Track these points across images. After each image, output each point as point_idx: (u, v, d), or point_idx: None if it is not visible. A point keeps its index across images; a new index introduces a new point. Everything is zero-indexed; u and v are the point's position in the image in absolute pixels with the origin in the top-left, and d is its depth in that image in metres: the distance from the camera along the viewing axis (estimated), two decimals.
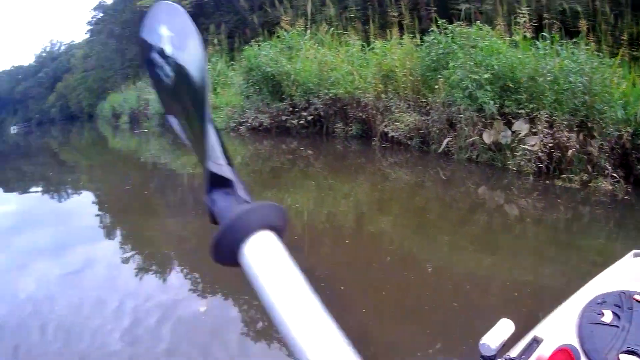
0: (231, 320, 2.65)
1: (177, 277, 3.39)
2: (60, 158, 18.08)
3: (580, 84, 4.77)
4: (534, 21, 6.19)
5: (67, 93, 48.24)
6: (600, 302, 1.22)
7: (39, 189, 10.23)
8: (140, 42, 0.56)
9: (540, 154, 4.77)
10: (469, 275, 2.75)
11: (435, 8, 7.41)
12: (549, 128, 4.80)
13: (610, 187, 4.40)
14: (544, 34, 5.70)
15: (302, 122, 7.74)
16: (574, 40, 5.42)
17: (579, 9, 6.58)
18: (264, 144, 8.25)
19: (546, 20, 6.25)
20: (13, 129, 64.68)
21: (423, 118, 5.76)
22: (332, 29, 9.13)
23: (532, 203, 4.33)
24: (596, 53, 5.29)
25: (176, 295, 3.06)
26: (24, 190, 10.43)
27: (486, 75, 5.25)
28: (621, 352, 1.00)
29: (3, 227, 6.18)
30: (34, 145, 28.69)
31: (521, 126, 5.04)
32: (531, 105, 5.02)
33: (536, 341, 1.11)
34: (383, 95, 6.45)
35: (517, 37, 5.87)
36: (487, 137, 5.25)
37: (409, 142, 5.65)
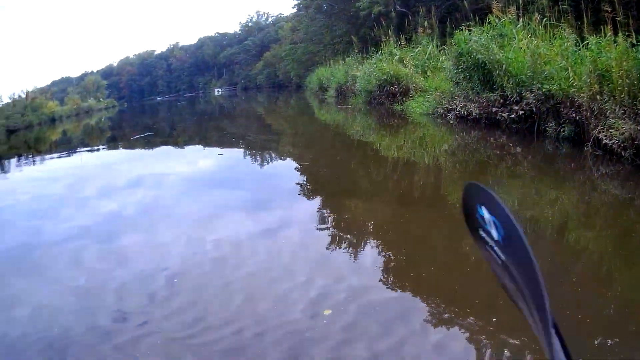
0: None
1: (368, 260, 3.73)
2: (265, 122, 20.50)
3: None
4: None
5: (275, 62, 53.68)
6: None
7: (239, 149, 12.09)
8: (468, 209, 0.63)
9: None
10: None
11: None
12: None
13: None
14: None
15: (512, 116, 7.75)
16: None
17: None
18: (472, 134, 8.68)
19: None
20: (217, 91, 75.11)
21: (639, 128, 5.38)
22: (545, 19, 8.93)
23: None
24: None
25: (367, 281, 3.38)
26: (223, 149, 12.23)
27: None
28: None
29: (202, 182, 7.74)
30: (238, 108, 32.55)
31: None
32: None
33: None
34: (598, 97, 6.22)
35: None
36: None
37: (622, 153, 5.39)
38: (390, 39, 16.21)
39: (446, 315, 2.79)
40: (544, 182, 5.68)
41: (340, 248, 4.09)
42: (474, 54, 8.95)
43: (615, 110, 5.93)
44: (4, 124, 33.05)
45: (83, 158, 14.10)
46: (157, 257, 4.29)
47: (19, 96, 40.62)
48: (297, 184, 6.96)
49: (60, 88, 73.30)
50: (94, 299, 3.53)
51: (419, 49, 14.70)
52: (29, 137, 28.32)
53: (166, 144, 15.26)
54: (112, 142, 18.94)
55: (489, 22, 9.75)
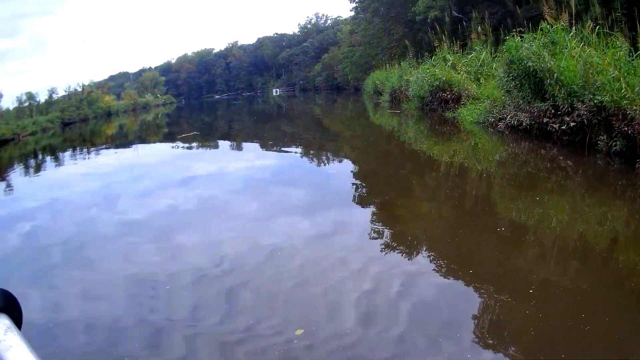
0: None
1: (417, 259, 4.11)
2: (322, 124, 20.78)
3: None
4: None
5: (333, 64, 53.99)
6: None
7: (295, 149, 12.58)
8: None
9: None
10: None
11: None
12: None
13: None
14: None
15: (563, 127, 7.59)
16: None
17: None
18: (522, 145, 8.61)
19: None
20: (275, 92, 76.18)
21: None
22: (598, 27, 8.66)
23: None
24: None
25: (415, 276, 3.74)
26: (280, 148, 12.88)
27: None
28: None
29: (260, 180, 8.16)
30: (296, 109, 33.00)
31: None
32: None
33: None
34: None
35: None
36: None
37: None
38: (445, 44, 16.06)
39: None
40: (594, 197, 5.60)
41: (393, 260, 4.17)
42: (525, 62, 8.77)
43: None
44: (59, 117, 35.21)
45: (140, 152, 14.92)
46: (210, 253, 4.59)
47: (75, 89, 42.95)
48: (352, 185, 7.42)
49: (118, 83, 76.96)
50: (147, 292, 3.89)
51: (472, 55, 14.50)
52: (84, 130, 30.07)
53: (224, 139, 15.79)
54: (169, 138, 19.81)
55: (541, 29, 9.47)
